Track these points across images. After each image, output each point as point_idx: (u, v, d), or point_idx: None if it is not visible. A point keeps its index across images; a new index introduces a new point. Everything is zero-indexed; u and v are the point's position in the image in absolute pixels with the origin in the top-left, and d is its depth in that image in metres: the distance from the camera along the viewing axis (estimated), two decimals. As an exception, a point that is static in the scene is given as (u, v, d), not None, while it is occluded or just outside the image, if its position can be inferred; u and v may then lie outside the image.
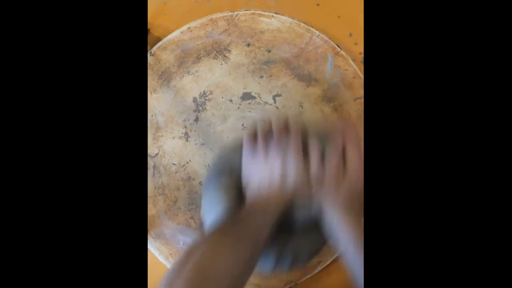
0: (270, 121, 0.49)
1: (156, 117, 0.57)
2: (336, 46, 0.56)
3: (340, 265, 0.55)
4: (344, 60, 0.56)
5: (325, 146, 0.47)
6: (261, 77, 0.57)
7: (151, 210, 0.57)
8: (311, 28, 0.57)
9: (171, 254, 0.56)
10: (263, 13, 0.57)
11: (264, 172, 0.46)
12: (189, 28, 0.58)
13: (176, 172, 0.57)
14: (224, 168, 0.51)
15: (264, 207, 0.44)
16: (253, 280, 0.55)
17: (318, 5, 0.59)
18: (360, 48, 0.58)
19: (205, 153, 0.57)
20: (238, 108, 0.57)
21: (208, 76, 0.57)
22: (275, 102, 0.57)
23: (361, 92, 0.56)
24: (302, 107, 0.56)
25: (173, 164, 0.57)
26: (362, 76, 0.56)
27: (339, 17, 0.59)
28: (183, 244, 0.56)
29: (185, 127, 0.57)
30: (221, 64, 0.57)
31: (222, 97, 0.57)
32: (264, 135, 0.48)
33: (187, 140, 0.57)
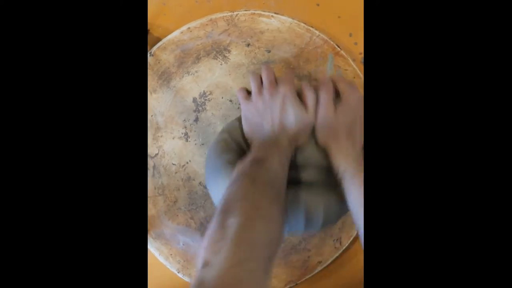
0: (259, 74, 0.51)
1: (156, 117, 0.57)
2: (336, 46, 0.56)
3: (340, 265, 0.56)
4: (344, 60, 0.56)
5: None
6: (261, 77, 0.57)
7: (151, 210, 0.57)
8: (311, 28, 0.57)
9: (171, 254, 0.56)
10: (263, 13, 0.57)
11: (265, 119, 0.48)
12: (189, 28, 0.58)
13: (176, 172, 0.57)
14: (222, 132, 0.52)
15: (273, 148, 0.45)
16: (253, 280, 0.55)
17: (318, 5, 0.59)
18: (360, 48, 0.58)
19: (205, 153, 0.57)
20: (238, 108, 0.57)
21: (208, 76, 0.57)
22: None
23: (361, 92, 0.56)
24: (302, 107, 0.56)
25: (173, 164, 0.57)
26: (362, 76, 0.56)
27: (339, 17, 0.59)
28: (183, 245, 0.56)
29: (185, 127, 0.57)
30: (221, 64, 0.57)
31: (222, 97, 0.57)
32: (258, 87, 0.49)
33: (187, 140, 0.57)
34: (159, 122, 0.57)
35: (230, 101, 0.57)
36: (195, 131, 0.57)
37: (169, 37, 0.58)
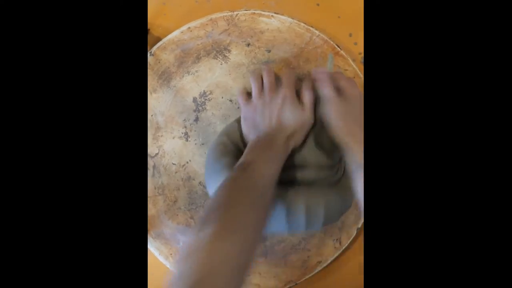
0: (260, 75, 0.52)
1: (156, 117, 0.57)
2: (336, 46, 0.56)
3: (340, 265, 0.56)
4: (344, 60, 0.56)
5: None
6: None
7: (151, 210, 0.57)
8: (311, 28, 0.57)
9: (171, 254, 0.56)
10: (263, 13, 0.57)
11: (263, 119, 0.49)
12: (189, 28, 0.58)
13: (176, 172, 0.57)
14: (222, 134, 0.53)
15: (266, 149, 0.46)
16: (253, 280, 0.55)
17: (318, 5, 0.59)
18: (360, 48, 0.58)
19: (205, 153, 0.57)
20: (238, 108, 0.57)
21: (208, 76, 0.57)
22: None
23: (360, 91, 0.56)
24: (302, 107, 0.56)
25: (173, 164, 0.57)
26: (361, 76, 0.56)
27: (339, 17, 0.59)
28: (183, 244, 0.56)
29: (185, 127, 0.57)
30: (221, 64, 0.57)
31: (222, 97, 0.57)
32: (258, 89, 0.51)
33: (187, 140, 0.57)
34: (159, 122, 0.57)
35: (230, 101, 0.57)
36: (195, 130, 0.57)
37: (169, 36, 0.58)
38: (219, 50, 0.58)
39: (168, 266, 0.56)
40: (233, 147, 0.51)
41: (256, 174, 0.42)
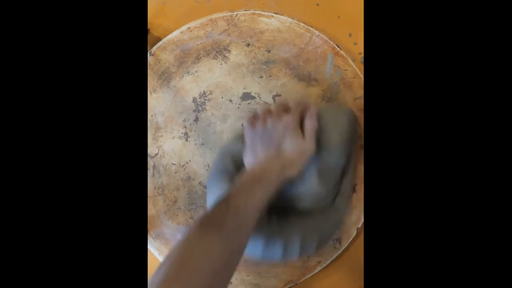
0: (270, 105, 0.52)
1: (156, 117, 0.57)
2: (336, 46, 0.56)
3: (340, 265, 0.55)
4: (343, 60, 0.56)
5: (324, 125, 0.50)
6: (261, 77, 0.57)
7: (151, 210, 0.57)
8: (311, 28, 0.57)
9: (171, 254, 0.56)
10: (262, 13, 0.57)
11: (262, 145, 0.48)
12: (188, 28, 0.58)
13: (175, 172, 0.57)
14: (227, 155, 0.53)
15: (260, 175, 0.45)
16: (253, 280, 0.55)
17: (318, 5, 0.59)
18: (360, 48, 0.58)
19: (205, 153, 0.57)
20: (238, 108, 0.57)
21: (208, 76, 0.57)
22: (275, 102, 0.57)
23: (360, 92, 0.56)
24: (302, 107, 0.56)
25: (173, 164, 0.57)
26: (361, 76, 0.56)
27: (339, 17, 0.59)
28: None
29: (185, 127, 0.57)
30: (221, 64, 0.57)
31: (222, 97, 0.57)
32: (264, 114, 0.50)
33: (186, 140, 0.57)
34: (159, 122, 0.57)
35: (230, 101, 0.57)
36: (195, 131, 0.57)
37: (169, 37, 0.58)
38: (219, 50, 0.58)
39: (168, 266, 0.56)
40: (238, 173, 0.51)
41: (239, 207, 0.41)
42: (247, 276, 0.55)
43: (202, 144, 0.57)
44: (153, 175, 0.57)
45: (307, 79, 0.57)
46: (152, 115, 0.57)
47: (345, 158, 0.51)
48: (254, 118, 0.50)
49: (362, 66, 0.57)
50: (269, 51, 0.57)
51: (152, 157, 0.57)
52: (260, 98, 0.57)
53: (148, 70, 0.57)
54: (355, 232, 0.55)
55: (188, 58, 0.58)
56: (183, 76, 0.58)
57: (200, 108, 0.57)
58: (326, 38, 0.56)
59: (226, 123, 0.57)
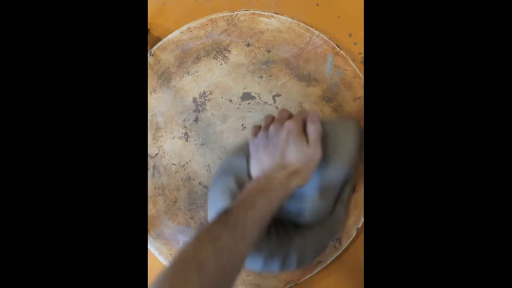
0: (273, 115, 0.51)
1: (156, 117, 0.57)
2: (336, 46, 0.56)
3: (340, 265, 0.55)
4: (343, 60, 0.56)
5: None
6: (261, 77, 0.57)
7: (151, 210, 0.57)
8: (311, 28, 0.57)
9: (171, 254, 0.56)
10: (262, 13, 0.57)
11: (265, 154, 0.47)
12: (188, 28, 0.58)
13: (176, 172, 0.57)
14: (229, 172, 0.52)
15: (264, 186, 0.44)
16: (253, 280, 0.55)
17: (318, 5, 0.59)
18: (360, 48, 0.58)
19: (205, 153, 0.57)
20: (238, 108, 0.57)
21: (208, 76, 0.57)
22: (275, 102, 0.57)
23: (360, 92, 0.56)
24: (302, 107, 0.56)
25: (173, 164, 0.57)
26: (361, 76, 0.56)
27: (339, 17, 0.59)
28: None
29: (185, 127, 0.57)
30: (221, 64, 0.57)
31: (222, 97, 0.57)
32: (267, 123, 0.49)
33: (187, 140, 0.57)
34: (159, 122, 0.57)
35: (230, 101, 0.57)
36: (195, 131, 0.57)
37: (169, 37, 0.58)
38: (219, 50, 0.58)
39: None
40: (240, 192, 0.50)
41: (238, 221, 0.40)
42: (247, 276, 0.55)
43: (202, 144, 0.57)
44: (153, 175, 0.57)
45: (307, 79, 0.57)
46: (152, 115, 0.57)
47: (349, 172, 0.50)
48: (256, 128, 0.50)
49: (362, 66, 0.57)
50: (269, 51, 0.57)
51: (152, 157, 0.57)
52: (260, 98, 0.57)
53: (148, 70, 0.57)
54: (355, 232, 0.55)
55: (188, 58, 0.58)
56: (183, 76, 0.58)
57: (200, 108, 0.57)
58: (326, 38, 0.56)
59: (226, 123, 0.57)
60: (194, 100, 0.57)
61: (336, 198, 0.52)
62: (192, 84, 0.57)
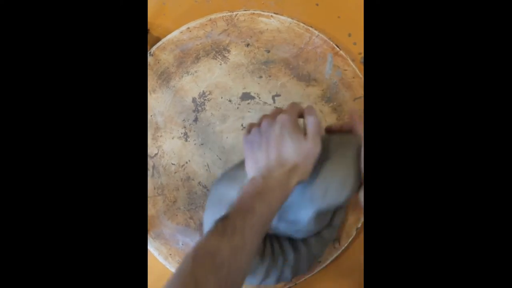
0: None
1: (156, 117, 0.57)
2: (336, 46, 0.56)
3: (340, 265, 0.56)
4: (343, 60, 0.56)
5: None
6: (260, 77, 0.57)
7: (151, 210, 0.57)
8: (311, 28, 0.57)
9: (170, 254, 0.56)
10: (262, 13, 0.57)
11: (260, 151, 0.43)
12: (188, 28, 0.58)
13: (175, 172, 0.57)
14: (222, 204, 0.49)
15: (261, 188, 0.41)
16: (252, 280, 0.55)
17: (317, 5, 0.59)
18: (360, 48, 0.58)
19: (205, 153, 0.57)
20: (238, 108, 0.57)
21: (207, 76, 0.57)
22: (274, 102, 0.57)
23: (360, 92, 0.56)
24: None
25: (173, 164, 0.57)
26: (361, 76, 0.56)
27: (338, 17, 0.59)
28: (183, 244, 0.56)
29: (185, 127, 0.57)
30: (220, 64, 0.57)
31: (222, 97, 0.57)
32: (260, 120, 0.46)
33: (186, 140, 0.57)
34: (158, 122, 0.57)
35: (230, 101, 0.57)
36: (194, 131, 0.57)
37: (169, 37, 0.58)
38: (218, 51, 0.58)
39: (167, 266, 0.56)
40: None
41: (236, 232, 0.37)
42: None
43: (202, 144, 0.57)
44: (152, 175, 0.57)
45: (307, 79, 0.57)
46: (151, 115, 0.57)
47: (350, 194, 0.45)
48: (250, 126, 0.47)
49: (362, 66, 0.57)
50: (268, 51, 0.57)
51: (151, 157, 0.57)
52: (259, 98, 0.57)
53: (148, 70, 0.57)
54: (355, 232, 0.55)
55: (187, 58, 0.58)
56: (182, 76, 0.58)
57: (199, 108, 0.57)
58: (325, 38, 0.56)
59: (225, 123, 0.57)
60: (194, 100, 0.57)
61: (328, 223, 0.51)
62: (191, 84, 0.57)
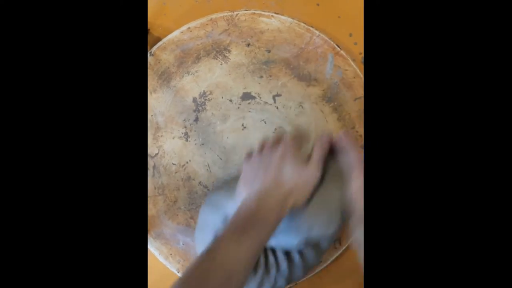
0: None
1: (156, 117, 0.57)
2: (336, 46, 0.56)
3: (340, 265, 0.56)
4: (344, 60, 0.56)
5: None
6: (261, 77, 0.57)
7: (151, 210, 0.57)
8: (311, 28, 0.57)
9: (171, 254, 0.56)
10: (263, 13, 0.57)
11: (258, 175, 0.44)
12: (189, 28, 0.58)
13: (176, 172, 0.57)
14: (217, 209, 0.50)
15: (253, 216, 0.40)
16: (253, 280, 0.55)
17: (318, 5, 0.59)
18: (360, 48, 0.58)
19: (205, 153, 0.57)
20: (238, 108, 0.57)
21: (208, 76, 0.57)
22: (275, 102, 0.57)
23: (361, 92, 0.56)
24: (302, 107, 0.56)
25: (173, 164, 0.57)
26: (362, 76, 0.56)
27: (339, 17, 0.59)
28: (183, 244, 0.56)
29: (185, 127, 0.57)
30: (221, 64, 0.57)
31: (222, 97, 0.57)
32: (261, 147, 0.47)
33: (187, 140, 0.57)
34: (159, 122, 0.57)
35: (230, 101, 0.57)
36: (195, 131, 0.57)
37: (169, 37, 0.58)
38: (219, 50, 0.58)
39: (168, 266, 0.56)
40: None
41: (224, 263, 0.37)
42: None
43: (202, 144, 0.57)
44: (153, 175, 0.57)
45: (307, 79, 0.57)
46: (152, 115, 0.57)
47: (335, 231, 0.46)
48: (251, 153, 0.48)
49: (363, 66, 0.57)
50: (269, 51, 0.57)
51: (152, 157, 0.57)
52: (260, 98, 0.57)
53: (148, 70, 0.57)
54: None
55: (188, 58, 0.58)
56: (183, 76, 0.58)
57: (200, 108, 0.57)
58: (326, 38, 0.56)
59: (226, 123, 0.57)
60: (194, 100, 0.57)
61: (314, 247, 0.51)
62: (192, 84, 0.57)
